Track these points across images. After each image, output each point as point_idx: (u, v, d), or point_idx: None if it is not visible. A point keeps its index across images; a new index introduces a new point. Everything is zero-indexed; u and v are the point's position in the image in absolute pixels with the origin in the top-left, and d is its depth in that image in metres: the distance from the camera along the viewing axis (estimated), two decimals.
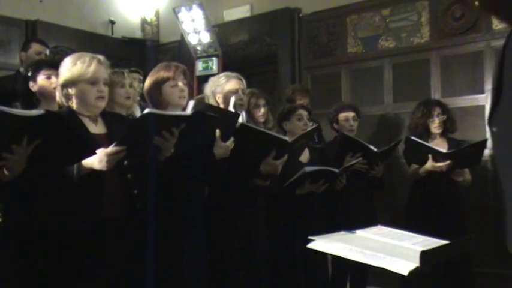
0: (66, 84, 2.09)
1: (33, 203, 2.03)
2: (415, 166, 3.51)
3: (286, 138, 2.75)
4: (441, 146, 3.42)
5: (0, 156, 1.69)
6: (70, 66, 2.10)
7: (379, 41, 4.68)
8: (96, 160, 1.91)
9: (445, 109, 3.53)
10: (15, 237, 2.16)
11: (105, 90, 2.13)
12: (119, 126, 2.20)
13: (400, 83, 4.55)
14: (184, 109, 2.45)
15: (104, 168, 1.92)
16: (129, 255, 2.12)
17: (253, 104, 3.18)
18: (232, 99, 2.72)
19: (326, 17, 5.03)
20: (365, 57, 4.76)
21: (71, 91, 2.08)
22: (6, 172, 1.77)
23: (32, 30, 5.24)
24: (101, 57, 2.16)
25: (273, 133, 2.76)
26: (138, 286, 2.14)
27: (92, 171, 1.94)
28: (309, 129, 3.07)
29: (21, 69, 3.58)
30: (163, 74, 2.44)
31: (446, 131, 3.53)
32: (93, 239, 1.99)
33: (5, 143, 1.68)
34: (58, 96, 2.14)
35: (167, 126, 2.04)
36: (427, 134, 3.51)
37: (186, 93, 2.45)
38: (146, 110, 1.93)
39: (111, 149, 1.90)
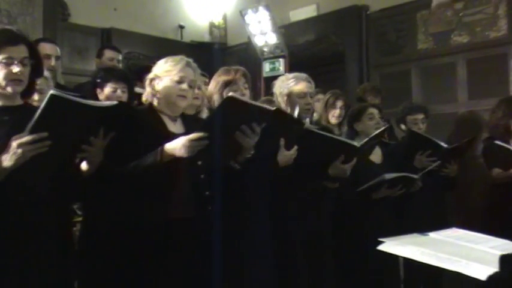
0: (154, 78, 2.16)
1: (108, 200, 2.10)
2: (498, 170, 3.27)
3: (355, 143, 2.69)
4: None
5: (80, 148, 1.76)
6: (162, 64, 2.18)
7: (452, 36, 4.52)
8: (178, 146, 1.93)
9: None
10: (93, 234, 2.27)
11: (190, 91, 2.16)
12: (196, 127, 2.22)
13: (475, 80, 4.35)
14: None
15: (185, 155, 1.93)
16: (197, 256, 2.13)
17: (330, 102, 3.14)
18: (297, 108, 2.70)
19: (395, 14, 4.92)
20: (436, 53, 4.62)
21: (157, 86, 2.15)
22: (86, 165, 1.85)
23: (107, 38, 5.51)
24: (190, 60, 2.20)
25: (341, 138, 2.69)
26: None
27: (173, 159, 1.95)
28: (378, 131, 2.98)
29: None
30: (224, 77, 2.45)
31: None
32: (162, 238, 2.02)
33: (84, 135, 1.75)
34: (146, 92, 2.20)
35: (248, 120, 2.01)
36: (508, 135, 3.28)
37: (246, 97, 2.42)
38: (230, 93, 1.92)
39: (194, 135, 1.92)
